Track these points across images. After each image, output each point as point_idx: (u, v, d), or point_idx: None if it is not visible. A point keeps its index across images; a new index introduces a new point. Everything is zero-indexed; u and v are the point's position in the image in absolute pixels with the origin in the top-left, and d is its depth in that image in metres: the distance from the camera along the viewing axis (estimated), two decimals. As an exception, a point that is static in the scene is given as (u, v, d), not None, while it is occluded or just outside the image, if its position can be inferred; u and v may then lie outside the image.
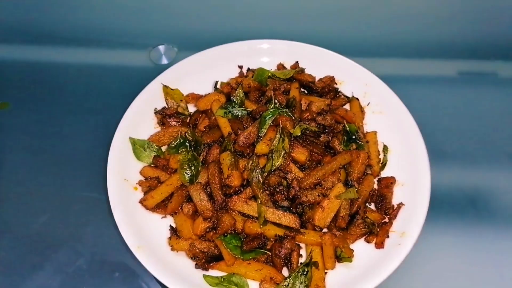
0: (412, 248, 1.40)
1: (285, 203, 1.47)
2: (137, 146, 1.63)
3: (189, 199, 1.49)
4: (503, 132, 1.86)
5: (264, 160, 1.50)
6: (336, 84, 1.81)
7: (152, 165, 1.62)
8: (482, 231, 1.59)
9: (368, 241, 1.47)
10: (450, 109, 1.91)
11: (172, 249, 1.45)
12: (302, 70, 1.81)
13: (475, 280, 1.50)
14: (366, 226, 1.45)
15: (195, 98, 1.76)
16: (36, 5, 2.32)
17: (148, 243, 1.43)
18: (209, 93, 1.73)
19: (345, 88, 1.80)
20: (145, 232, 1.47)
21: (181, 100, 1.76)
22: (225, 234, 1.43)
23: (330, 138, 1.57)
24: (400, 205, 1.50)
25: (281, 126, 1.50)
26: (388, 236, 1.45)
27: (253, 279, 1.41)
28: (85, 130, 1.86)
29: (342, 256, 1.42)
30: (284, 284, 1.36)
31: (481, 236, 1.58)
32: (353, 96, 1.76)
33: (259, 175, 1.46)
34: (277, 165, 1.47)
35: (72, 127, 1.87)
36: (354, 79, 1.79)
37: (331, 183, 1.47)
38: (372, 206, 1.54)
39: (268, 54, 1.88)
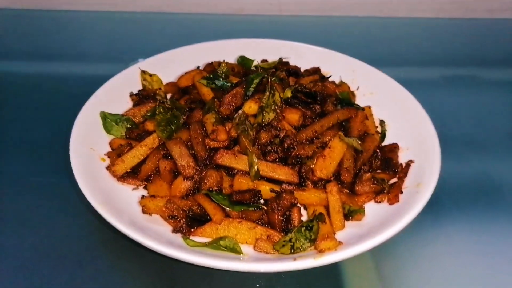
0: (423, 232, 1.23)
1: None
2: (108, 120, 1.44)
3: (167, 157, 1.27)
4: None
5: (253, 120, 1.34)
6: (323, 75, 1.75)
7: (124, 138, 1.41)
8: (495, 218, 1.40)
9: (378, 201, 1.24)
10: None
11: (144, 211, 1.17)
12: (287, 63, 1.76)
13: (489, 267, 1.26)
14: (375, 182, 1.24)
15: (175, 85, 1.64)
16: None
17: (115, 204, 1.16)
18: (190, 70, 1.61)
19: (332, 78, 1.73)
20: (112, 200, 1.20)
21: (160, 89, 1.63)
22: (210, 190, 1.19)
23: (322, 104, 1.44)
24: (409, 162, 1.32)
25: (270, 82, 1.37)
26: (401, 192, 1.24)
27: (246, 243, 1.13)
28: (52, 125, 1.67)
29: (351, 210, 1.18)
30: (286, 239, 1.09)
31: (494, 223, 1.38)
32: (341, 81, 1.68)
33: (249, 128, 1.28)
34: (269, 119, 1.31)
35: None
36: (340, 68, 1.73)
37: (329, 138, 1.30)
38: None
39: (252, 52, 1.83)
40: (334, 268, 1.17)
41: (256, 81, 1.40)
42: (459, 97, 1.91)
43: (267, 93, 1.35)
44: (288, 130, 1.31)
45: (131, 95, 1.58)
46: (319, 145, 1.28)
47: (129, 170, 1.30)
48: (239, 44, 1.83)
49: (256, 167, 1.19)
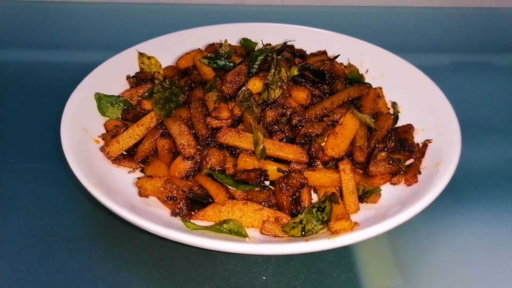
0: (443, 216, 1.14)
1: (287, 144, 1.18)
2: (103, 101, 1.35)
3: (165, 136, 1.17)
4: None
5: (258, 98, 1.25)
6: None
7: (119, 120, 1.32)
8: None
9: (395, 183, 1.15)
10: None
11: (141, 193, 1.07)
12: (291, 46, 1.67)
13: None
14: (391, 162, 1.15)
15: (174, 69, 1.55)
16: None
17: (109, 186, 1.07)
18: (190, 50, 1.52)
19: (339, 61, 1.65)
20: (106, 182, 1.11)
21: (158, 73, 1.54)
22: (212, 170, 1.09)
23: (331, 84, 1.35)
24: (426, 142, 1.23)
25: (275, 59, 1.28)
26: (419, 172, 1.15)
27: (252, 226, 1.03)
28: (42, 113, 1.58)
29: (366, 190, 1.09)
30: (296, 220, 0.99)
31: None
32: (349, 63, 1.59)
33: (253, 105, 1.19)
34: (275, 96, 1.22)
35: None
36: (347, 51, 1.64)
37: (340, 115, 1.21)
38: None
39: (255, 37, 1.74)
40: (348, 254, 1.08)
41: (260, 58, 1.31)
42: (471, 83, 1.82)
43: (273, 70, 1.26)
44: (298, 107, 1.22)
45: (128, 77, 1.49)
46: (329, 123, 1.19)
47: (124, 152, 1.21)
48: (241, 28, 1.74)
49: (262, 144, 1.10)
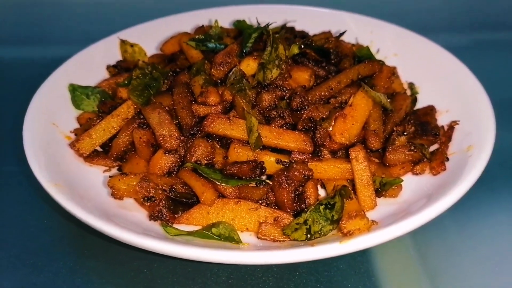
0: (477, 210, 0.97)
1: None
2: (78, 93, 1.18)
3: (143, 127, 1.00)
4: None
5: (252, 80, 1.08)
6: (335, 39, 1.48)
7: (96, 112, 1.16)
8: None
9: (418, 172, 0.97)
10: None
11: (114, 195, 0.90)
12: (292, 28, 1.50)
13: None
14: (412, 148, 0.96)
15: (160, 56, 1.38)
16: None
17: (77, 188, 0.90)
18: (176, 34, 1.35)
19: (347, 40, 1.47)
20: (75, 184, 0.94)
21: (143, 61, 1.37)
22: (198, 163, 0.92)
23: (337, 64, 1.17)
24: (452, 123, 1.04)
25: (271, 36, 1.10)
26: (447, 159, 0.96)
27: (246, 229, 0.85)
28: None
29: (384, 182, 0.90)
30: (300, 221, 0.81)
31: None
32: (357, 43, 1.41)
33: (247, 88, 1.02)
34: (272, 77, 1.04)
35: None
36: (355, 30, 1.46)
37: (349, 95, 1.03)
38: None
39: (250, 20, 1.57)
40: (364, 261, 0.89)
41: (254, 35, 1.14)
42: (496, 61, 1.62)
43: (269, 48, 1.08)
44: (299, 87, 1.04)
45: (109, 67, 1.33)
46: (336, 105, 1.01)
47: (99, 148, 1.04)
48: (234, 11, 1.56)
49: (257, 132, 0.92)
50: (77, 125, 1.13)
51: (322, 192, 0.95)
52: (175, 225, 0.87)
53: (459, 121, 1.03)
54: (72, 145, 1.02)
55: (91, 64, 1.30)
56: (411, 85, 1.25)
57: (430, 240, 0.93)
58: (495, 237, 0.97)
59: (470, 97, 1.09)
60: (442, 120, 1.11)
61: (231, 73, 1.05)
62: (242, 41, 1.14)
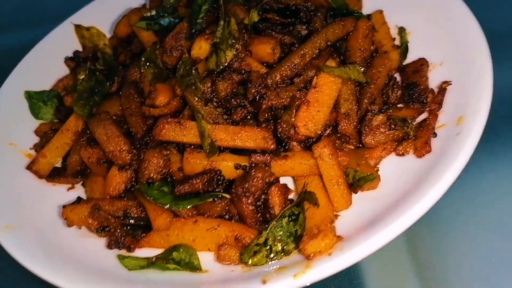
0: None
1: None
2: (34, 101, 1.11)
3: (90, 143, 0.92)
4: None
5: (203, 67, 0.94)
6: None
7: (54, 121, 1.09)
8: None
9: (401, 153, 0.84)
10: None
11: (68, 223, 0.85)
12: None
13: None
14: (393, 126, 0.83)
15: (118, 40, 1.24)
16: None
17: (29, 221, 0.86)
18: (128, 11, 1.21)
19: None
20: (31, 213, 0.90)
21: (105, 44, 1.25)
22: (150, 181, 0.84)
23: (308, 21, 1.00)
24: (444, 85, 0.88)
25: (222, 5, 0.94)
26: (434, 135, 0.82)
27: (208, 250, 0.79)
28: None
29: (357, 177, 0.79)
30: (259, 241, 0.73)
31: None
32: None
33: (197, 80, 0.90)
34: (226, 61, 0.90)
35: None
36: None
37: (315, 71, 0.88)
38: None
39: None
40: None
41: (204, 7, 0.98)
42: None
43: (222, 22, 0.93)
44: (255, 72, 0.90)
45: (66, 60, 1.23)
46: (301, 85, 0.87)
47: (58, 164, 0.98)
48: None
49: (209, 138, 0.82)
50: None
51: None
52: (138, 250, 0.82)
53: (451, 82, 0.86)
54: (29, 168, 0.96)
55: (48, 61, 1.21)
56: (401, 31, 1.05)
57: (420, 233, 0.82)
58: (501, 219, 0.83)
59: (467, 45, 0.89)
60: (435, 75, 0.94)
61: (180, 63, 0.92)
62: (191, 16, 0.99)
